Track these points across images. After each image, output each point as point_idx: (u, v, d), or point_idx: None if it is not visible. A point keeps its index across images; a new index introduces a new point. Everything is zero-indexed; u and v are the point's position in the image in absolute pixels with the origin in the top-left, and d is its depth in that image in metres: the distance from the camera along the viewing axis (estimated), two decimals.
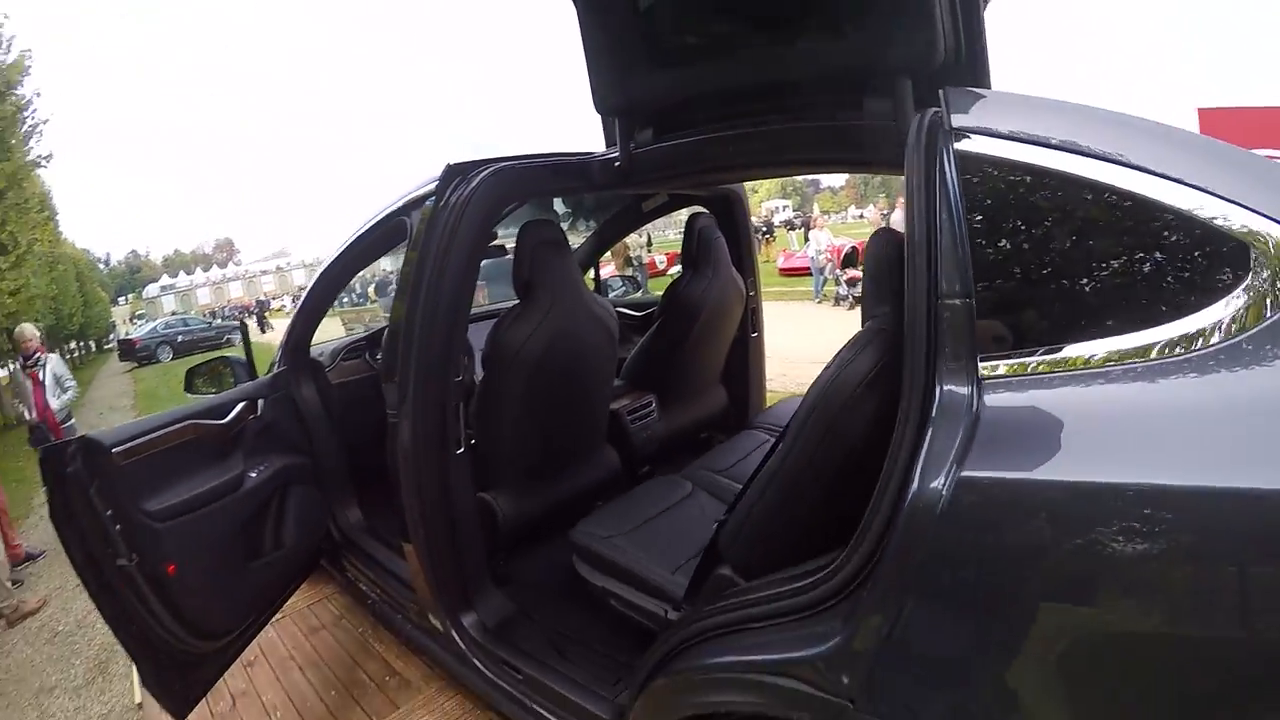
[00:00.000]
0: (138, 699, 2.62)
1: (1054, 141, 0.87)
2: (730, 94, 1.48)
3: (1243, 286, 0.74)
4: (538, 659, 1.73)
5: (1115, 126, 0.90)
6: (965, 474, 0.78)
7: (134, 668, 2.79)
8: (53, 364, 4.83)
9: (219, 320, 26.04)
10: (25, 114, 7.51)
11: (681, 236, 2.64)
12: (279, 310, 31.53)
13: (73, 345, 25.21)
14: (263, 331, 21.96)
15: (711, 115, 1.54)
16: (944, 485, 0.78)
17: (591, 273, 3.32)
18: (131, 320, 32.65)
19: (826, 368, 1.09)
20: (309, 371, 2.49)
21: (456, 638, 1.85)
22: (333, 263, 2.39)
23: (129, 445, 1.72)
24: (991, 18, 1.22)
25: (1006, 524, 0.78)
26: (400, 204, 1.97)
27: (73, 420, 4.76)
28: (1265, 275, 0.73)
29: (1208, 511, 0.67)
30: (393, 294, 2.07)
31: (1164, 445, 0.72)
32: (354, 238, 2.27)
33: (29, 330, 4.70)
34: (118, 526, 1.63)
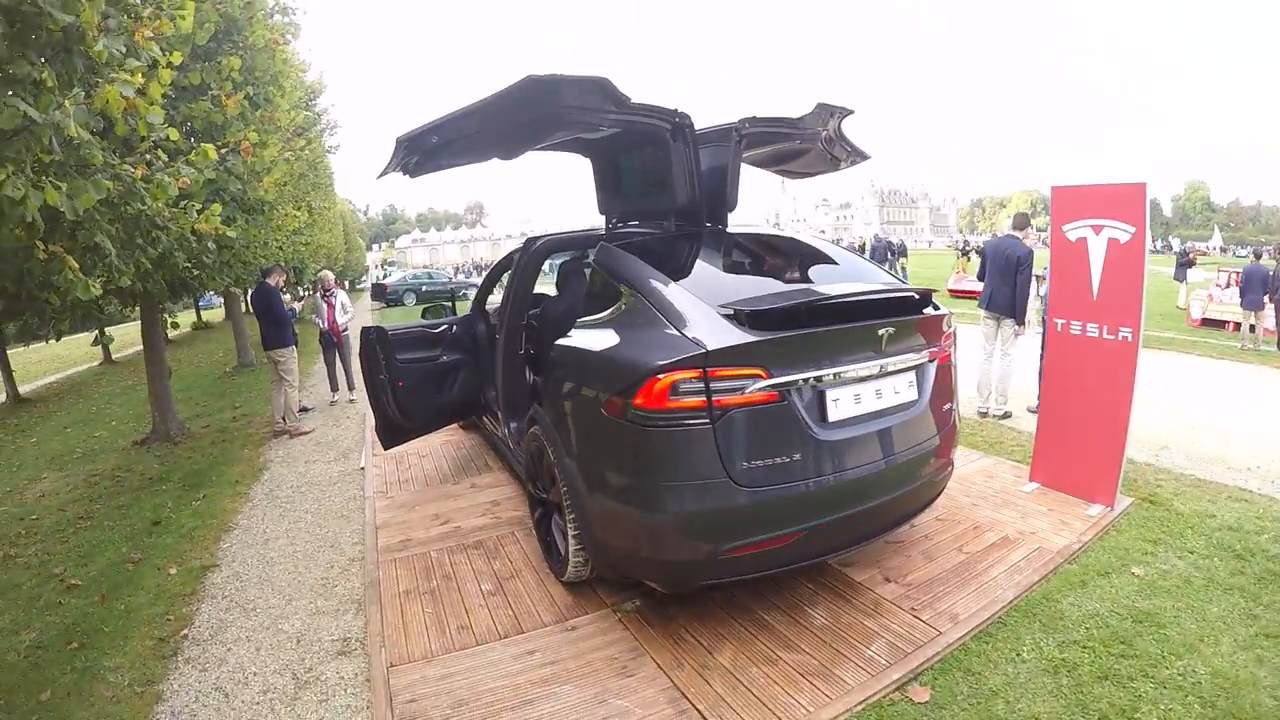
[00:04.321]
0: (362, 465, 5.52)
1: (646, 241, 3.46)
2: (641, 212, 3.96)
3: (620, 302, 2.95)
4: None
5: (619, 246, 3.20)
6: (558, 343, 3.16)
7: (362, 453, 5.72)
8: (341, 296, 8.27)
9: (460, 276, 32.78)
10: (323, 119, 11.71)
11: None
12: None
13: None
14: None
15: (636, 220, 3.99)
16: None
17: None
18: (383, 266, 40.68)
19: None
20: (483, 316, 5.18)
21: (507, 436, 4.21)
22: (492, 268, 5.13)
23: (396, 331, 4.46)
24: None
25: (559, 361, 3.09)
26: (510, 251, 4.53)
27: (348, 330, 8.13)
28: (622, 302, 2.93)
29: (587, 358, 2.91)
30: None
31: (584, 339, 2.99)
32: (497, 261, 5.06)
33: (329, 275, 8.24)
34: (384, 361, 4.32)
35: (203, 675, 2.87)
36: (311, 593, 3.54)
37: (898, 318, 2.87)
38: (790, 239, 4.07)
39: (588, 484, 2.80)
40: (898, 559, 3.42)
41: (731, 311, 2.58)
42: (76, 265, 2.88)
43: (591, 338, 2.95)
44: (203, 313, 23.81)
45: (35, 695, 2.79)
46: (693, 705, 2.39)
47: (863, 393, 2.76)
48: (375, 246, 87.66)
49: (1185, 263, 16.07)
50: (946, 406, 3.19)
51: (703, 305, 2.65)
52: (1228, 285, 12.08)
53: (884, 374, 2.83)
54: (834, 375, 2.65)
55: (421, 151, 3.32)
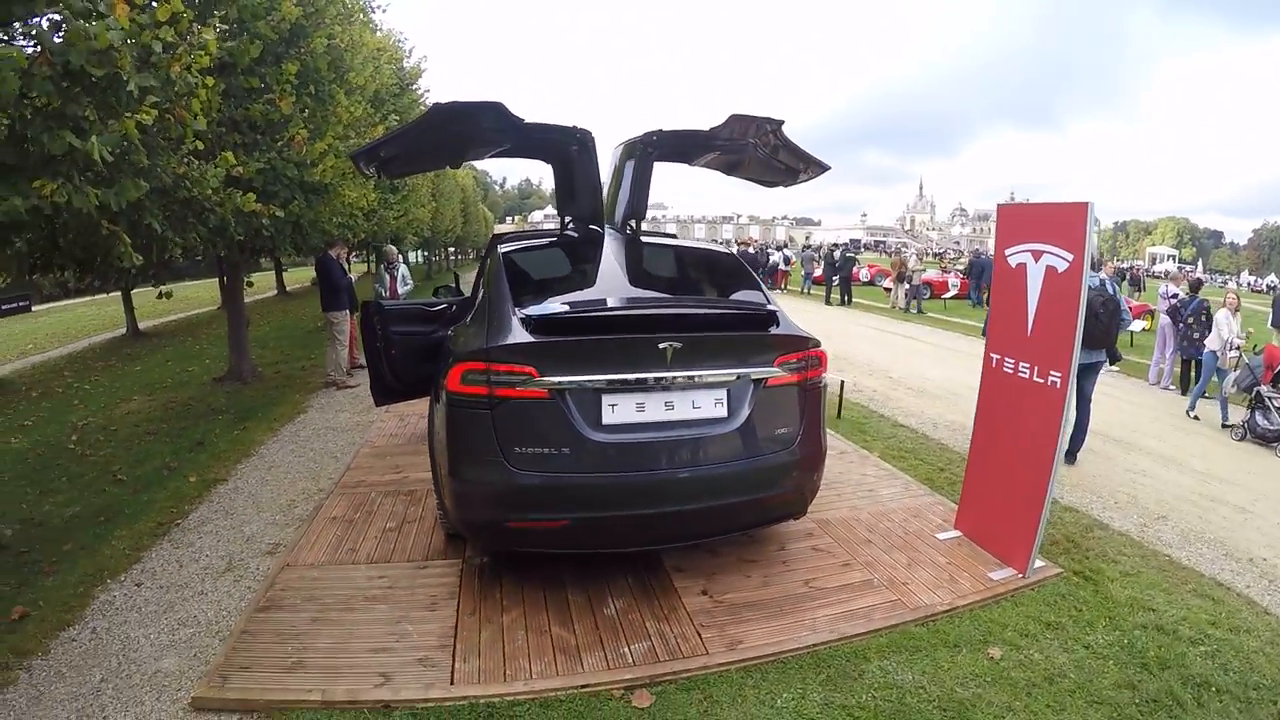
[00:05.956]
0: (375, 405, 6.83)
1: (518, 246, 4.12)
2: (575, 216, 4.58)
3: (481, 298, 3.82)
4: None
5: (533, 237, 4.13)
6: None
7: (368, 412, 7.01)
8: (403, 268, 9.78)
9: None
10: (421, 101, 13.48)
11: None
12: None
13: (452, 251, 36.41)
14: None
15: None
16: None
17: None
18: None
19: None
20: None
21: None
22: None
23: (392, 307, 5.58)
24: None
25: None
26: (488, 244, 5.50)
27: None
28: (481, 298, 3.82)
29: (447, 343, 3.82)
30: None
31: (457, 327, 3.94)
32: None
33: (391, 249, 9.83)
34: (380, 331, 5.45)
35: (173, 551, 4.14)
36: (276, 508, 4.76)
37: (695, 334, 3.21)
38: (677, 248, 4.61)
39: (434, 449, 3.58)
40: (733, 576, 3.69)
41: (524, 316, 3.15)
42: (129, 240, 4.19)
43: (459, 327, 3.78)
44: None
45: (60, 545, 4.19)
46: (455, 645, 3.06)
47: (648, 402, 3.16)
48: (508, 219, 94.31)
49: None
50: (782, 430, 3.43)
51: (510, 307, 3.29)
52: None
53: (672, 387, 3.19)
54: (608, 382, 3.08)
55: (378, 161, 4.29)
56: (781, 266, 26.87)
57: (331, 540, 4.10)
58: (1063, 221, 3.63)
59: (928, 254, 37.56)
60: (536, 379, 3.02)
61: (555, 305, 3.22)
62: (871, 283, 27.35)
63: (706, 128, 4.22)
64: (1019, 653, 3.15)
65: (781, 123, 4.09)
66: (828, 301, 21.15)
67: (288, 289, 21.56)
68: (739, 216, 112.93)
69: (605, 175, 4.73)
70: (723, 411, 3.29)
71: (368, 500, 4.72)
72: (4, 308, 12.78)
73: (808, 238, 77.54)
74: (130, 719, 2.69)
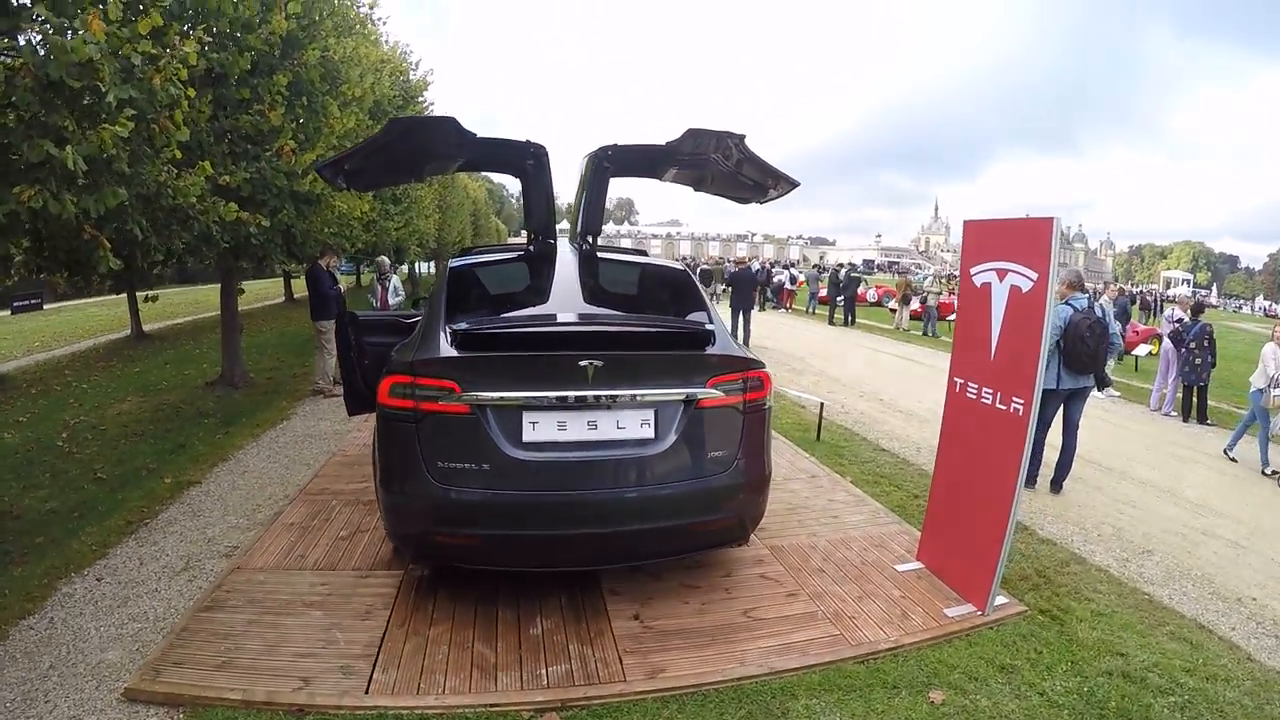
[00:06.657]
0: (348, 415, 6.98)
1: (466, 262, 4.29)
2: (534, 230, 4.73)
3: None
4: None
5: (487, 252, 4.27)
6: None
7: (347, 421, 7.16)
8: (395, 280, 10.00)
9: None
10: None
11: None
12: None
13: None
14: None
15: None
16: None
17: None
18: None
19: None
20: None
21: None
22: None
23: (366, 318, 5.73)
24: None
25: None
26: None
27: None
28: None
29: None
30: None
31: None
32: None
33: (385, 260, 10.04)
34: (354, 342, 5.60)
35: (137, 549, 4.29)
36: (242, 512, 4.90)
37: (618, 352, 3.19)
38: (627, 264, 4.67)
39: (373, 461, 3.59)
40: (670, 602, 3.62)
41: (451, 330, 3.20)
42: (109, 245, 4.37)
43: (405, 341, 3.87)
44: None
45: (34, 538, 4.36)
46: (379, 655, 3.11)
47: (570, 421, 3.14)
48: (524, 232, 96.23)
49: None
50: (717, 453, 3.34)
51: (441, 322, 3.37)
52: None
53: (595, 406, 3.15)
54: (528, 399, 3.09)
55: (343, 174, 4.40)
56: (787, 285, 26.92)
57: (284, 546, 4.22)
58: (1028, 238, 3.47)
59: (942, 276, 37.55)
60: (458, 394, 3.05)
61: (480, 320, 3.29)
62: (879, 303, 27.38)
63: (664, 142, 4.22)
64: (964, 698, 2.96)
65: (743, 137, 4.01)
66: (831, 321, 21.17)
67: (295, 297, 21.94)
68: (753, 235, 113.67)
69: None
70: (649, 432, 3.24)
71: (327, 508, 4.85)
72: (16, 305, 13.13)
73: (821, 257, 77.90)
74: (70, 704, 2.82)
